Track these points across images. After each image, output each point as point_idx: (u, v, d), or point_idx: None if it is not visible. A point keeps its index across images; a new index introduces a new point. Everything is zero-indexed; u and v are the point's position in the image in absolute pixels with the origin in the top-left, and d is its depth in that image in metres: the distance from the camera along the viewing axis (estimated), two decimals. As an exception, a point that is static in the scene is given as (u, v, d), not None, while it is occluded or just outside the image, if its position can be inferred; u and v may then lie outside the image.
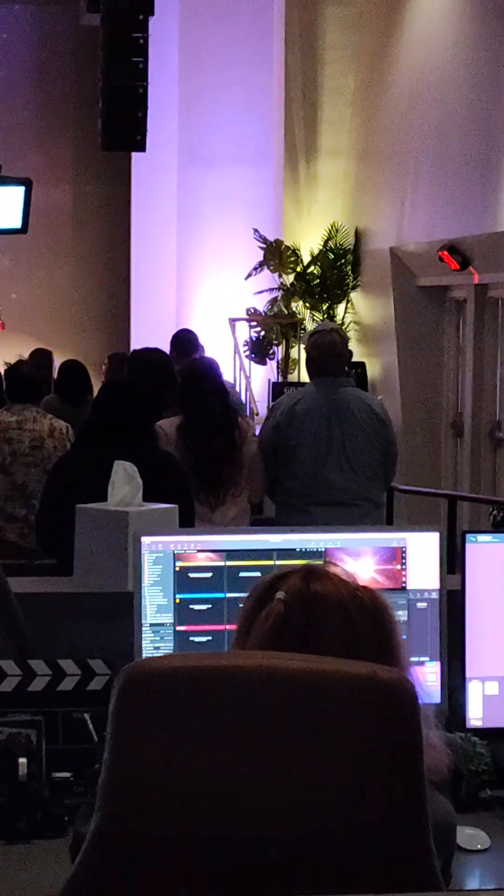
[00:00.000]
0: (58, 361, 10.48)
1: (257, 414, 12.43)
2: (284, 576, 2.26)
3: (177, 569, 3.14)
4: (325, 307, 13.66)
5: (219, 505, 6.24)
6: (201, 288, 14.34)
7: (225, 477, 6.27)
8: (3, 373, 8.72)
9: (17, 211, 3.15)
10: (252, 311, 13.88)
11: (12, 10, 15.25)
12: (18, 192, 3.14)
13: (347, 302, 13.73)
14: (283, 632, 2.18)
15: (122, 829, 1.94)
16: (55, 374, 9.72)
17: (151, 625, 3.12)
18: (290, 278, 13.93)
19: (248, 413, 11.92)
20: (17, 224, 3.16)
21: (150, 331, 14.31)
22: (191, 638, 3.14)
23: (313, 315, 13.68)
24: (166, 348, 8.45)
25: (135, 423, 5.76)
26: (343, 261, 13.72)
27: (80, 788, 3.02)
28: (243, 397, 12.59)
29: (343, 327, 11.72)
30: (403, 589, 3.18)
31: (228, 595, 3.13)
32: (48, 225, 14.64)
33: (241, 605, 2.31)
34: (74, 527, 3.83)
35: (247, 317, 13.87)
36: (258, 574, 3.05)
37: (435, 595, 3.19)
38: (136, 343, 14.85)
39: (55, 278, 15.82)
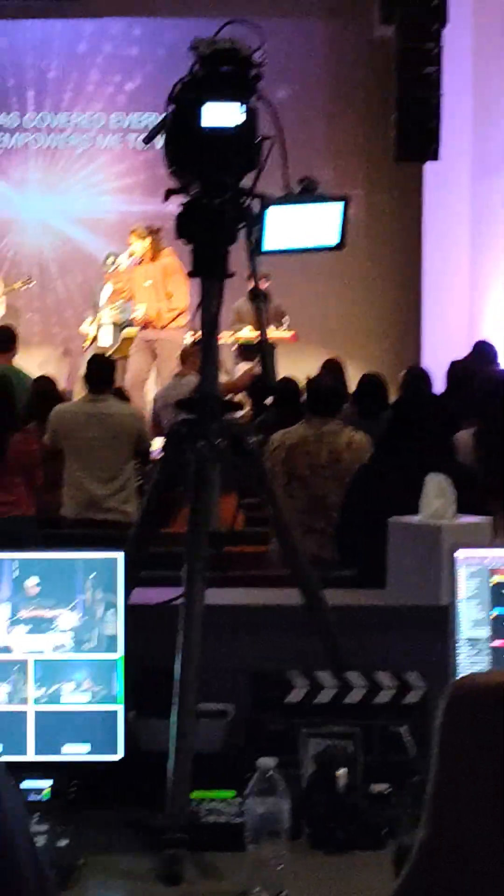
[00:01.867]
0: (352, 372, 10.51)
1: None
2: None
3: (493, 583, 3.12)
4: None
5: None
6: (496, 297, 14.21)
7: None
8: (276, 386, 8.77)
9: (335, 228, 3.18)
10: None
11: (305, 24, 15.40)
12: (336, 208, 3.16)
13: None
14: None
15: (450, 843, 1.94)
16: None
17: (468, 639, 3.11)
18: None
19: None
20: (335, 241, 3.19)
21: (442, 341, 14.27)
22: (508, 654, 3.12)
23: None
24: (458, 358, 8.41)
25: (433, 435, 5.77)
26: None
27: (397, 801, 3.03)
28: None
29: None
30: None
31: (547, 611, 3.10)
32: (340, 236, 14.70)
33: None
34: (374, 537, 3.85)
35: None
36: None
37: None
38: (428, 354, 14.82)
39: (347, 289, 15.89)
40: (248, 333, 13.44)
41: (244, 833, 2.71)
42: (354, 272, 15.56)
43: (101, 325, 14.12)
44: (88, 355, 13.82)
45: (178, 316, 13.10)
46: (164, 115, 3.16)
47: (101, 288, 14.30)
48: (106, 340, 13.97)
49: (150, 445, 9.08)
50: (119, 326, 13.98)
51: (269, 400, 9.44)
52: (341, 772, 3.00)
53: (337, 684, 3.22)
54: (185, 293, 12.99)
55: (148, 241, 13.21)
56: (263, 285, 13.96)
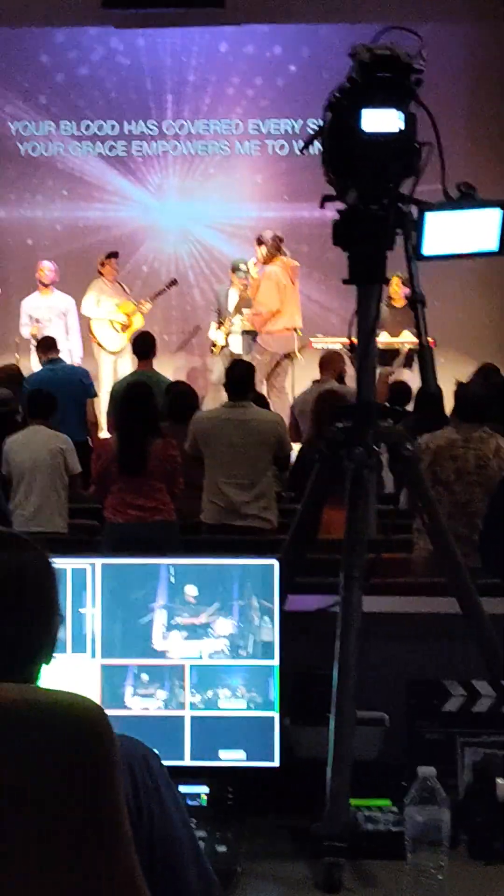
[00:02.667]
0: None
1: None
2: None
3: None
4: None
5: None
6: None
7: None
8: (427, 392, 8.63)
9: (494, 233, 3.15)
10: None
11: (444, 30, 15.30)
12: (496, 214, 3.14)
13: None
14: None
15: None
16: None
17: None
18: None
19: None
20: (494, 247, 3.16)
21: None
22: None
23: None
24: None
25: None
26: None
27: None
28: None
29: None
30: None
31: None
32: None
33: None
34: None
35: None
36: None
37: None
38: None
39: (485, 295, 15.77)
40: (387, 339, 13.41)
41: (404, 842, 2.70)
42: (494, 277, 15.45)
43: (229, 332, 14.18)
44: (217, 361, 13.97)
45: (266, 321, 13.29)
46: (322, 122, 3.15)
47: (227, 295, 14.35)
48: (237, 347, 14.03)
49: (290, 452, 9.07)
50: (249, 333, 14.06)
51: (409, 405, 9.40)
52: (501, 781, 2.98)
53: (494, 694, 3.19)
54: (267, 298, 13.21)
55: (263, 248, 13.33)
56: (404, 291, 14.07)
